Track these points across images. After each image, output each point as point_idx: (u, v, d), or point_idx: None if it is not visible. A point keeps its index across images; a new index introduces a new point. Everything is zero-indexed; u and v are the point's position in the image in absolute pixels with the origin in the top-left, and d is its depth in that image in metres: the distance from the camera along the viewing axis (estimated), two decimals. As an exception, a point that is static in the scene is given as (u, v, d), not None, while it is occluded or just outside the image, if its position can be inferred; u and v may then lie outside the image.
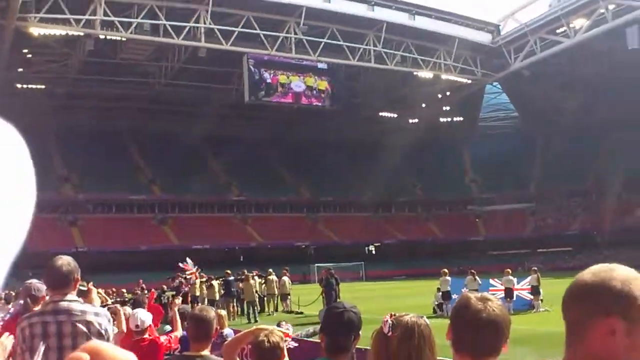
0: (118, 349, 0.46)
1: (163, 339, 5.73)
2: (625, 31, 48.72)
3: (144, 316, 5.71)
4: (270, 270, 25.78)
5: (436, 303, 21.36)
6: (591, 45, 52.24)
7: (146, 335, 5.64)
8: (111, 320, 3.81)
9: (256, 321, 21.03)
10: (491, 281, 21.52)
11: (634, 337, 1.17)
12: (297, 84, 53.03)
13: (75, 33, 42.70)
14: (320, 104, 55.22)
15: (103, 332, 3.59)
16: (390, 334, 2.35)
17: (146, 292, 20.12)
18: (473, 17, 58.99)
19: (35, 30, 41.58)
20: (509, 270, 21.47)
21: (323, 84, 54.70)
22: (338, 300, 20.69)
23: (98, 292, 10.27)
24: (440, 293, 21.06)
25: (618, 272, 1.28)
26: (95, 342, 0.45)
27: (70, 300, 3.57)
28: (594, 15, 49.29)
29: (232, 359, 3.73)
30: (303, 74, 53.06)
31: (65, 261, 3.56)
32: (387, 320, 2.42)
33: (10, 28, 40.42)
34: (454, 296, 20.33)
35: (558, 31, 53.03)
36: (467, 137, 77.50)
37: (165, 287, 25.51)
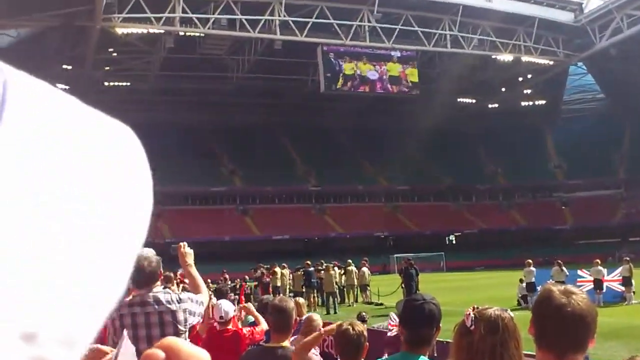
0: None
1: (246, 330, 5.79)
2: None
3: (228, 307, 5.78)
4: (349, 261, 25.75)
5: (520, 295, 20.69)
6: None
7: (230, 327, 5.72)
8: (199, 301, 3.89)
9: (336, 312, 21.13)
10: (579, 272, 20.68)
11: None
12: (372, 72, 52.76)
13: (156, 31, 44.27)
14: (396, 92, 54.70)
15: (189, 317, 3.75)
16: (473, 327, 2.28)
17: (229, 282, 20.57)
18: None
19: (119, 30, 43.44)
20: (598, 260, 20.58)
21: (398, 71, 54.09)
22: (417, 291, 20.51)
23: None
24: (525, 284, 20.37)
25: None
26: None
27: (156, 292, 3.74)
28: (687, -13, 46.50)
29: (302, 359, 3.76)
30: (378, 62, 52.71)
31: (148, 260, 3.63)
32: (469, 314, 2.35)
33: (96, 29, 42.34)
34: (539, 288, 19.71)
35: (647, 6, 50.33)
36: (551, 120, 74.93)
37: (247, 277, 26.03)
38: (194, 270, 4.00)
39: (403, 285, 22.28)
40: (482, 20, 52.07)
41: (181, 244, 4.04)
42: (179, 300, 3.76)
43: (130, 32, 44.32)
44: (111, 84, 55.78)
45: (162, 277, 4.03)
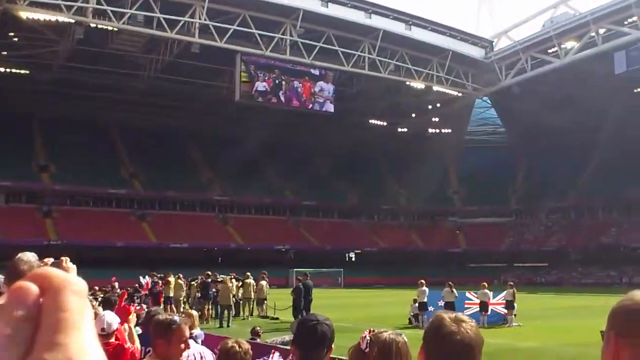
0: (65, 273, 0.46)
1: (129, 345, 5.48)
2: (614, 56, 49.45)
3: (111, 319, 5.44)
4: (248, 273, 25.41)
5: (412, 314, 21.31)
6: (580, 67, 52.86)
7: (113, 340, 5.38)
8: None
9: (229, 326, 20.77)
10: (467, 294, 21.62)
11: (623, 351, 1.32)
12: (289, 87, 52.88)
13: (66, 20, 42.10)
14: (310, 108, 55.09)
15: None
16: (367, 350, 2.25)
17: (118, 291, 19.68)
18: (468, 31, 59.49)
19: (24, 14, 41.00)
20: (485, 283, 21.62)
21: (314, 88, 54.54)
22: (309, 309, 20.47)
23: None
24: (417, 304, 20.97)
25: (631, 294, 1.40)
26: (41, 269, 0.43)
27: None
28: (584, 37, 49.97)
29: None
30: (296, 76, 52.93)
31: (29, 264, 3.30)
32: (365, 336, 2.32)
33: (-2, 10, 39.83)
34: (430, 308, 20.30)
35: (549, 51, 53.69)
36: (454, 149, 77.99)
37: (138, 285, 25.10)
38: None
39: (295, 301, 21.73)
40: (400, 47, 53.60)
41: (63, 259, 3.71)
42: None
43: (36, 18, 41.85)
44: (8, 70, 52.47)
45: None
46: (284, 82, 52.54)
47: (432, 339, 1.85)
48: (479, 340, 1.86)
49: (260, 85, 51.44)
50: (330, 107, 55.24)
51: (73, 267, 3.70)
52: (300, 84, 53.60)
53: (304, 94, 54.45)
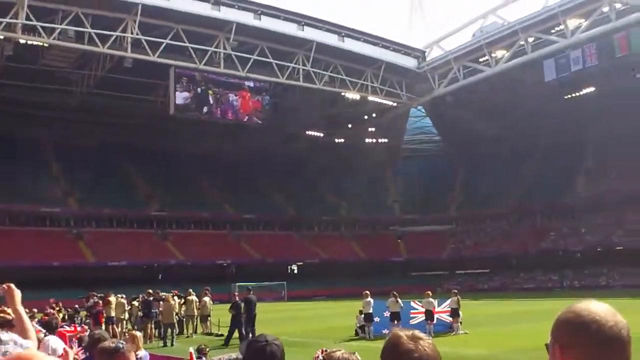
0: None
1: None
2: (543, 63, 51.21)
3: (56, 344, 5.25)
4: (190, 290, 24.96)
5: (358, 325, 21.26)
6: (511, 75, 54.53)
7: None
8: (25, 347, 3.42)
9: (173, 345, 20.33)
10: (412, 303, 21.58)
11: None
12: (224, 100, 52.51)
13: (-7, 36, 40.71)
14: (246, 121, 54.82)
15: None
16: None
17: (61, 312, 19.04)
18: (400, 42, 60.60)
19: (-53, 30, 39.42)
20: (429, 292, 21.63)
21: (250, 101, 54.35)
22: (254, 324, 20.18)
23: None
24: (363, 315, 20.95)
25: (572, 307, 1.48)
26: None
27: None
28: (514, 46, 51.60)
29: None
30: (231, 89, 52.62)
31: None
32: (318, 357, 2.30)
33: None
34: (376, 319, 20.36)
35: (481, 60, 55.17)
36: (392, 158, 79.09)
37: (77, 306, 24.31)
38: (23, 313, 3.53)
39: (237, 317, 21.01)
40: (334, 59, 54.07)
41: (8, 285, 3.55)
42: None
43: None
44: None
45: None
46: (219, 95, 52.09)
47: (390, 357, 1.85)
48: (437, 358, 1.87)
49: (195, 99, 50.83)
50: (265, 119, 55.05)
51: (18, 292, 3.58)
52: (235, 97, 53.27)
53: (239, 107, 54.12)
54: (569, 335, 1.43)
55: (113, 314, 21.70)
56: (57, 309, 22.97)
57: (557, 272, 58.46)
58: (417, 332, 1.95)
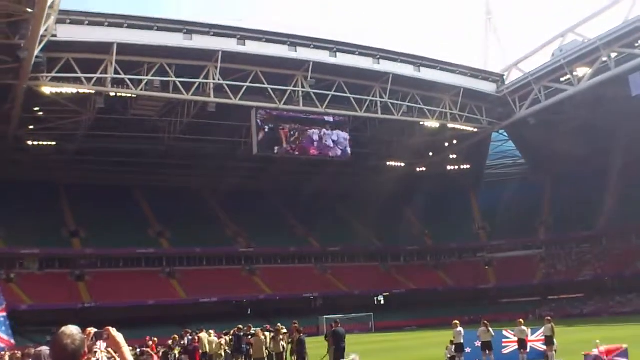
0: None
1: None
2: (628, 78, 49.33)
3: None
4: (280, 325, 25.29)
5: (449, 356, 20.94)
6: (596, 93, 52.80)
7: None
8: None
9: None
10: (504, 332, 21.01)
11: None
12: (306, 136, 53.41)
13: (87, 91, 43.49)
14: (328, 156, 55.48)
15: None
16: None
17: (157, 349, 19.86)
18: (477, 67, 59.97)
19: (47, 89, 42.40)
20: (521, 320, 21.10)
21: (332, 138, 54.89)
22: (343, 356, 20.21)
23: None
24: (453, 345, 20.67)
25: None
26: None
27: None
28: (596, 63, 49.97)
29: None
30: (311, 126, 53.51)
31: (71, 339, 3.27)
32: None
33: (21, 87, 41.23)
34: (467, 349, 20.07)
35: (562, 79, 53.69)
36: (475, 184, 77.80)
37: (170, 342, 25.19)
38: (128, 354, 3.86)
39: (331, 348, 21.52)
40: (411, 89, 54.11)
41: (108, 328, 3.83)
42: None
43: (59, 92, 43.27)
44: (36, 143, 54.02)
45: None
46: (300, 133, 53.07)
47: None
48: None
49: (276, 138, 51.98)
50: (347, 153, 55.46)
51: (119, 335, 3.88)
52: (317, 133, 54.05)
53: (320, 143, 54.73)
54: None
55: (208, 349, 22.40)
56: (154, 348, 23.81)
57: (655, 293, 55.15)
58: None
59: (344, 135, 54.95)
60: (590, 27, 51.34)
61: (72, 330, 3.31)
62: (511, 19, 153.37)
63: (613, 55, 49.54)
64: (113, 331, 3.69)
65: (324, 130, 53.78)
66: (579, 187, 66.90)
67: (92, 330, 3.67)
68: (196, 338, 22.05)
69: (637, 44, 48.47)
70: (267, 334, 23.98)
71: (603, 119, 59.33)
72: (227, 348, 24.14)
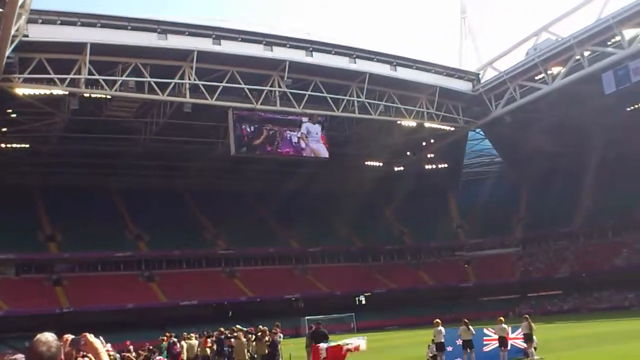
0: None
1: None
2: (601, 76, 49.93)
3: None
4: (261, 326, 25.01)
5: (430, 355, 20.92)
6: (570, 91, 53.34)
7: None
8: None
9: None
10: (485, 330, 21.04)
11: None
12: (282, 136, 53.18)
13: (60, 92, 42.80)
14: (305, 155, 55.29)
15: None
16: None
17: (133, 353, 19.53)
18: (452, 66, 60.26)
19: (20, 91, 41.65)
20: (502, 318, 21.10)
21: (308, 136, 54.76)
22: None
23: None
24: (435, 344, 20.62)
25: None
26: None
27: None
28: (570, 61, 50.50)
29: None
30: (288, 126, 53.30)
31: (47, 346, 3.18)
32: None
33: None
34: (449, 348, 20.04)
35: (536, 78, 54.16)
36: (453, 183, 78.20)
37: (150, 346, 24.83)
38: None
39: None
40: (388, 88, 54.18)
41: (85, 335, 3.71)
42: None
43: (32, 93, 42.51)
44: (9, 145, 53.11)
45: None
46: (276, 133, 52.77)
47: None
48: None
49: (253, 138, 51.65)
50: (325, 153, 55.29)
51: (97, 341, 3.75)
52: (294, 133, 53.82)
53: (298, 143, 54.50)
54: None
55: (190, 353, 22.05)
56: (135, 354, 23.43)
57: (633, 290, 55.67)
58: None
59: (316, 130, 54.44)
60: (564, 26, 51.86)
61: (47, 337, 3.23)
62: (486, 18, 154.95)
63: (586, 53, 50.10)
64: (90, 337, 3.62)
65: (301, 130, 53.55)
66: (557, 185, 67.42)
67: (69, 336, 3.59)
68: (176, 343, 21.74)
69: (609, 43, 49.06)
70: (249, 336, 23.70)
71: (577, 117, 60.06)
72: (208, 352, 23.87)
